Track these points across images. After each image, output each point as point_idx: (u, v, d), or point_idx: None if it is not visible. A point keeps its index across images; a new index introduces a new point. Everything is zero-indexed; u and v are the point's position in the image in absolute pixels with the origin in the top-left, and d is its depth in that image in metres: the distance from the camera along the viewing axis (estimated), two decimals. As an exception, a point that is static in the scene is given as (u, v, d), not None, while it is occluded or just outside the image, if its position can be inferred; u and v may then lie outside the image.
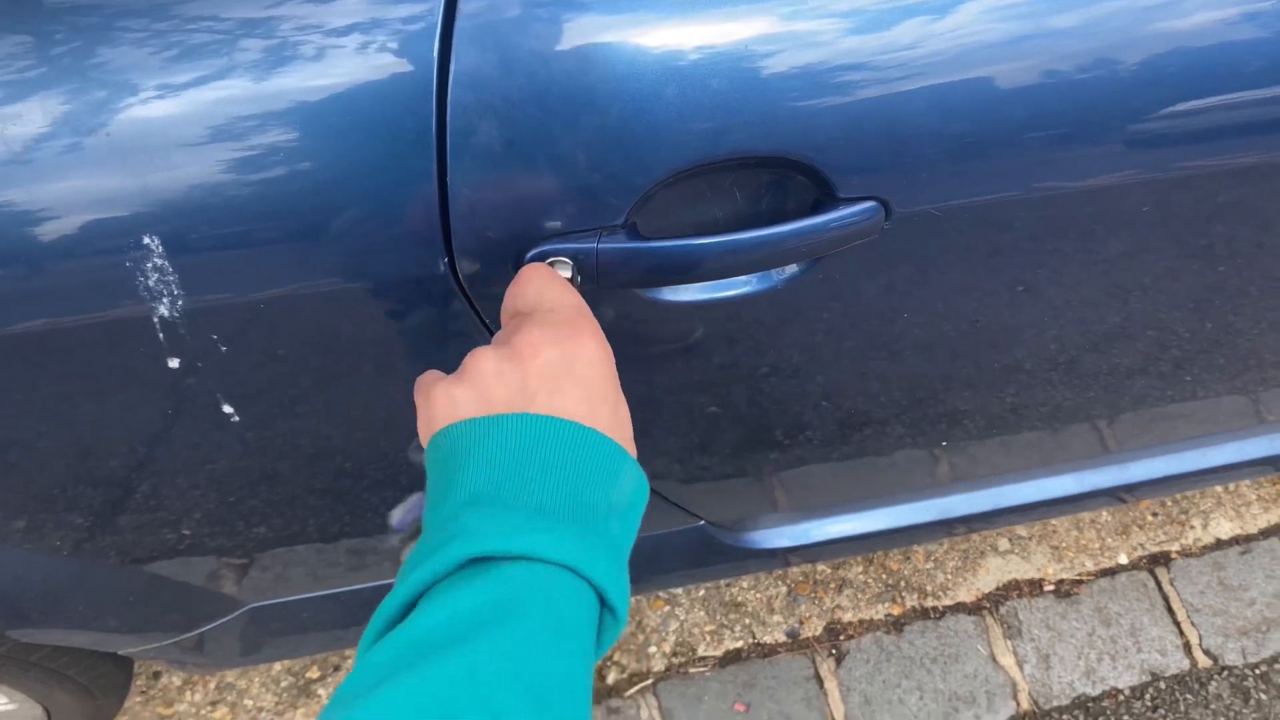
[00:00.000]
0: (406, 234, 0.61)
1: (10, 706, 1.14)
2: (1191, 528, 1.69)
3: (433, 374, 0.55)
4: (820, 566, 1.63)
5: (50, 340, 0.63)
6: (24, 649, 1.01)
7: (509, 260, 0.63)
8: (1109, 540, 1.67)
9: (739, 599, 1.60)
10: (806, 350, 0.80)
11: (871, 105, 0.61)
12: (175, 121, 0.56)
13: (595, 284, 0.65)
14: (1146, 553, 1.67)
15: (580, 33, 0.58)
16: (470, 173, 0.59)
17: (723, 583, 1.61)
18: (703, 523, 1.12)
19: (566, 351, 0.51)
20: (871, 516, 1.21)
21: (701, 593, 1.60)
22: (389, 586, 1.02)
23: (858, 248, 0.69)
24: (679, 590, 1.60)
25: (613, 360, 0.54)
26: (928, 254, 0.73)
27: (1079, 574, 1.64)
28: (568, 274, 0.63)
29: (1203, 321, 1.02)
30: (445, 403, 0.51)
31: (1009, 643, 1.57)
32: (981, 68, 0.62)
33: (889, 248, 0.70)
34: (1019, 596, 1.62)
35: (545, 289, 0.56)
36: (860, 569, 1.64)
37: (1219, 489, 1.73)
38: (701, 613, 1.58)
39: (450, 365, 0.58)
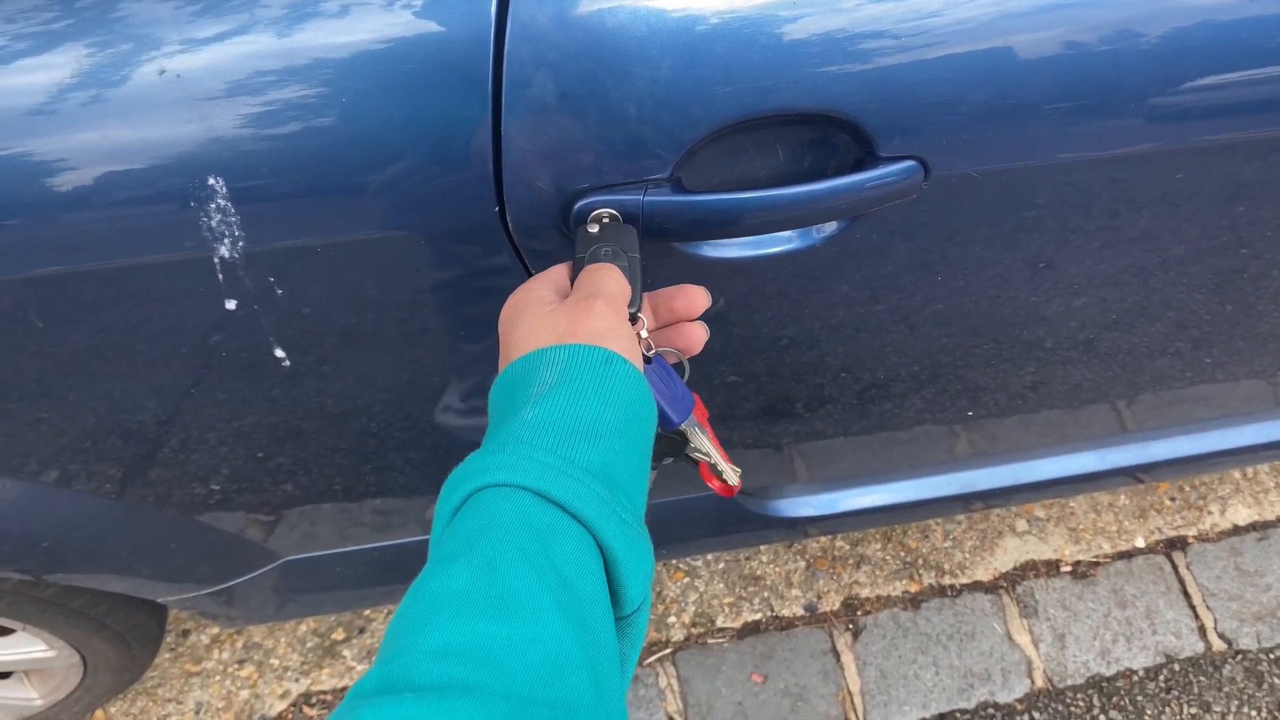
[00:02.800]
0: (460, 182, 0.63)
1: (50, 654, 1.17)
2: (1209, 513, 1.70)
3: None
4: (839, 542, 1.65)
5: (111, 281, 0.65)
6: (66, 595, 1.04)
7: (557, 211, 0.65)
8: (1126, 523, 1.69)
9: (758, 572, 1.62)
10: (833, 316, 0.81)
11: (915, 67, 0.63)
12: (241, 67, 0.58)
13: (642, 234, 0.66)
14: (1163, 537, 1.68)
15: (633, -11, 0.59)
16: (524, 124, 0.61)
17: (742, 556, 1.63)
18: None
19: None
20: (892, 489, 1.23)
21: (721, 565, 1.62)
22: (419, 544, 1.05)
23: (894, 210, 0.70)
24: (698, 562, 1.62)
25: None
26: (959, 220, 0.74)
27: (1096, 556, 1.65)
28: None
29: (1223, 303, 1.03)
30: None
31: (1025, 621, 1.58)
32: (1021, 34, 0.64)
33: (922, 211, 0.72)
34: (1036, 577, 1.63)
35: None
36: (879, 546, 1.65)
37: (1237, 475, 1.74)
38: (721, 585, 1.60)
39: (492, 319, 0.62)
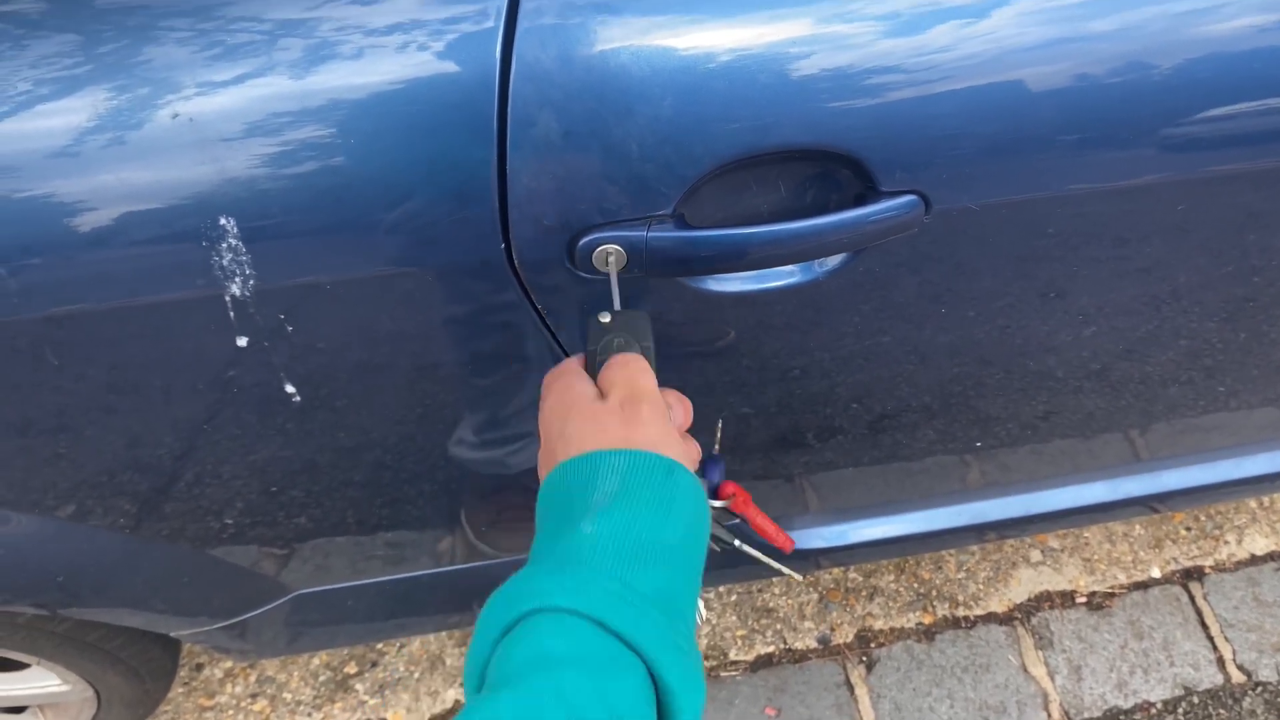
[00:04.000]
0: (467, 219, 0.64)
1: (64, 688, 1.17)
2: (1226, 543, 1.69)
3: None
4: (852, 574, 1.65)
5: (127, 319, 0.66)
6: (81, 629, 1.05)
7: (563, 246, 0.66)
8: (1141, 554, 1.68)
9: (770, 605, 1.61)
10: (842, 348, 0.82)
11: (913, 102, 0.64)
12: (253, 111, 0.60)
13: (644, 271, 0.67)
14: (1180, 567, 1.66)
15: (636, 31, 0.61)
16: (529, 162, 0.62)
17: (754, 588, 1.63)
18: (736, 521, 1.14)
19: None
20: (904, 520, 1.23)
21: (733, 598, 1.62)
22: (431, 576, 1.05)
23: (897, 243, 0.71)
24: (710, 594, 1.62)
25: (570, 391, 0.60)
26: (964, 251, 0.75)
27: (1111, 587, 1.64)
28: (622, 263, 0.66)
29: (1236, 331, 1.03)
30: None
31: (1040, 653, 1.57)
32: (1018, 70, 0.65)
33: (927, 244, 0.72)
34: (1051, 608, 1.62)
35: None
36: (892, 577, 1.65)
37: (1254, 504, 1.73)
38: (733, 617, 1.60)
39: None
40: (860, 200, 0.68)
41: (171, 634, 1.06)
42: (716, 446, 0.69)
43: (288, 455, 0.82)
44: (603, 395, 0.59)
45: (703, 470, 0.68)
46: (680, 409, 0.63)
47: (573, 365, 0.63)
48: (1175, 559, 1.67)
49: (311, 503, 0.91)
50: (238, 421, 0.77)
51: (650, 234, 0.66)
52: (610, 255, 0.66)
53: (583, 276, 0.68)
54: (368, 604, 1.12)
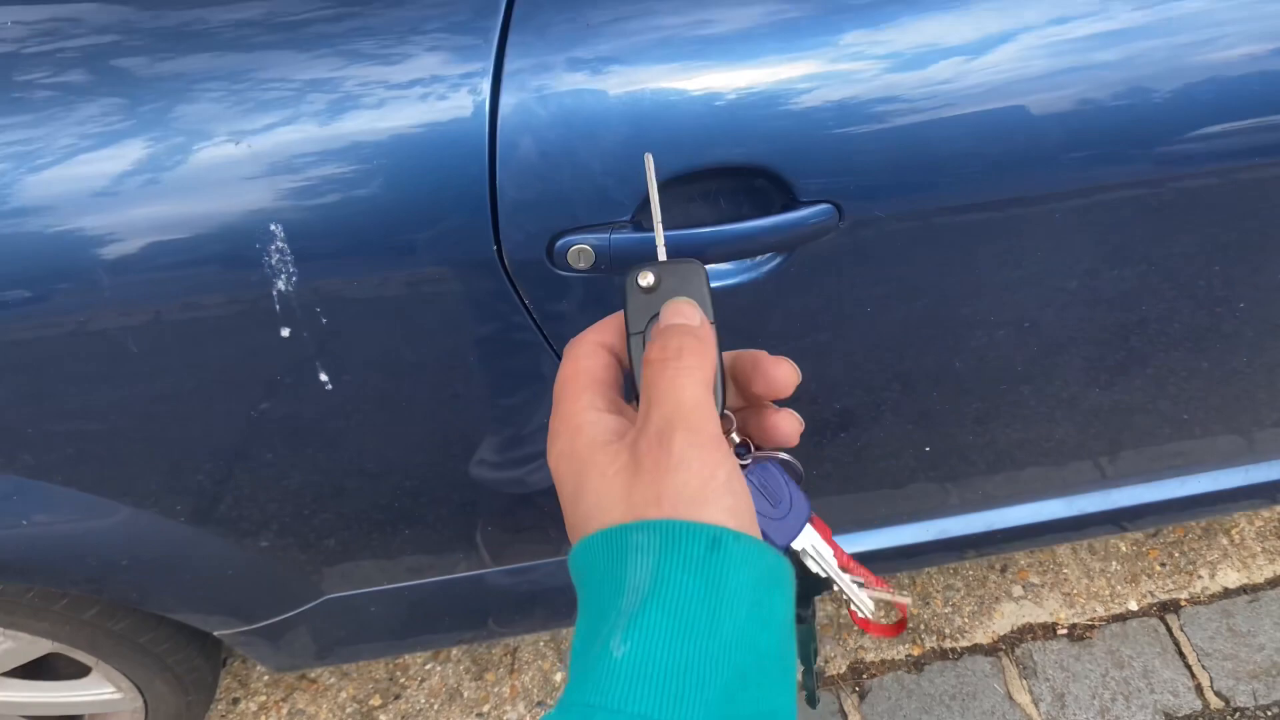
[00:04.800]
0: (465, 226, 0.80)
1: (117, 696, 1.30)
2: (1199, 577, 1.79)
3: None
4: (842, 610, 1.75)
5: (184, 319, 0.82)
6: (136, 629, 1.19)
7: (543, 247, 0.82)
8: (1119, 588, 1.77)
9: (767, 639, 1.72)
10: (785, 345, 0.97)
11: (825, 125, 0.80)
12: (299, 143, 0.77)
13: (609, 269, 0.83)
14: (1156, 600, 1.76)
15: (598, 76, 0.78)
16: (514, 178, 0.79)
17: (752, 624, 1.73)
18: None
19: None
20: (873, 536, 1.35)
21: (732, 633, 1.73)
22: (453, 581, 1.18)
23: (824, 246, 0.86)
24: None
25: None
26: (881, 256, 0.90)
27: (1091, 619, 1.73)
28: (590, 261, 0.82)
29: (1200, 360, 1.17)
30: None
31: (1025, 682, 1.66)
32: (925, 89, 0.81)
33: (850, 246, 0.88)
34: (1033, 639, 1.71)
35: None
36: (881, 612, 1.75)
37: (1225, 541, 1.83)
38: (732, 651, 1.70)
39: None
40: (786, 209, 0.83)
41: (215, 632, 1.19)
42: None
43: (320, 448, 0.97)
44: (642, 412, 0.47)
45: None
46: (770, 366, 0.52)
47: (587, 374, 0.51)
48: (1151, 593, 1.77)
49: (342, 502, 1.06)
50: (278, 411, 0.92)
51: (612, 237, 0.81)
52: (582, 255, 0.82)
53: (560, 273, 0.83)
54: (390, 611, 1.25)
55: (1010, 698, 1.64)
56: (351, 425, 0.95)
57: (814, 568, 0.54)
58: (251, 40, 0.77)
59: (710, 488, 0.43)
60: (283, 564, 1.12)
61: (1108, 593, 1.77)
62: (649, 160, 0.56)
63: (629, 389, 0.52)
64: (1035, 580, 1.79)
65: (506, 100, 0.77)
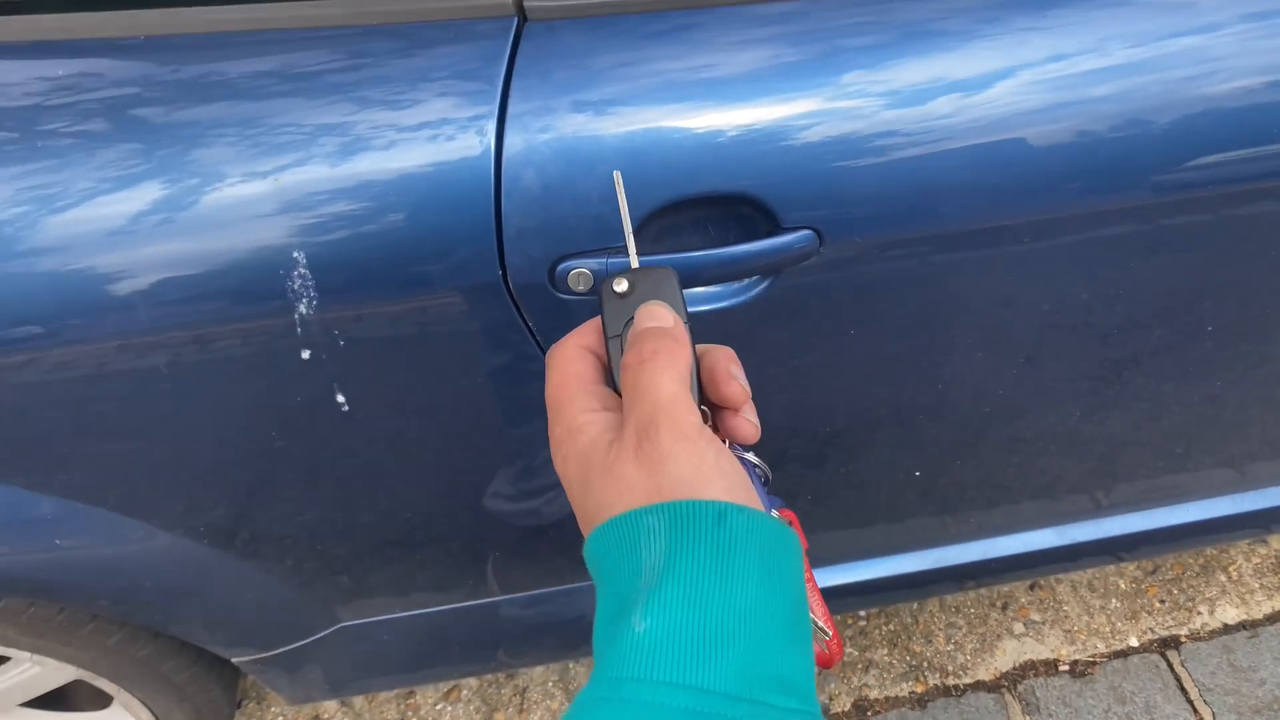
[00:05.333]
0: (473, 253, 0.87)
1: (135, 727, 1.34)
2: (1199, 613, 1.81)
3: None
4: (848, 649, 1.78)
5: (212, 339, 0.89)
6: (158, 656, 1.23)
7: (545, 272, 0.88)
8: (1119, 624, 1.80)
9: (773, 678, 1.74)
10: (774, 367, 1.02)
11: (806, 156, 0.87)
12: (320, 181, 0.84)
13: (608, 292, 0.89)
14: (1156, 636, 1.78)
15: (594, 114, 0.85)
16: (517, 207, 0.85)
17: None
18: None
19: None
20: (864, 567, 1.39)
21: (738, 672, 1.75)
22: (463, 610, 1.22)
23: (807, 269, 0.93)
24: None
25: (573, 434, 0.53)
26: (860, 280, 0.96)
27: (1092, 655, 1.76)
28: (589, 284, 0.88)
29: (1191, 393, 1.22)
30: None
31: (1028, 718, 1.68)
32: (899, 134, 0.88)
33: (831, 271, 0.94)
34: (1035, 676, 1.74)
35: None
36: (885, 650, 1.78)
37: (1223, 577, 1.85)
38: (738, 690, 1.73)
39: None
40: (770, 234, 0.90)
41: (233, 659, 1.23)
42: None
43: (345, 464, 1.03)
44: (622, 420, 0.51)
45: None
46: (722, 384, 0.55)
47: (576, 380, 0.55)
48: (1152, 629, 1.79)
49: (357, 528, 1.11)
50: (297, 436, 0.98)
51: (609, 261, 0.88)
52: (580, 279, 0.88)
53: (561, 296, 0.90)
54: (402, 640, 1.29)
55: (1014, 733, 1.66)
56: (366, 451, 1.01)
57: None
58: (270, 89, 0.85)
59: (702, 472, 0.47)
60: (299, 590, 1.17)
61: (1108, 629, 1.79)
62: (618, 177, 0.62)
63: (612, 386, 0.56)
64: (1036, 617, 1.82)
65: (511, 139, 0.84)
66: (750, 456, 0.56)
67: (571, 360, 0.56)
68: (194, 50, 0.85)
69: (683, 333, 0.55)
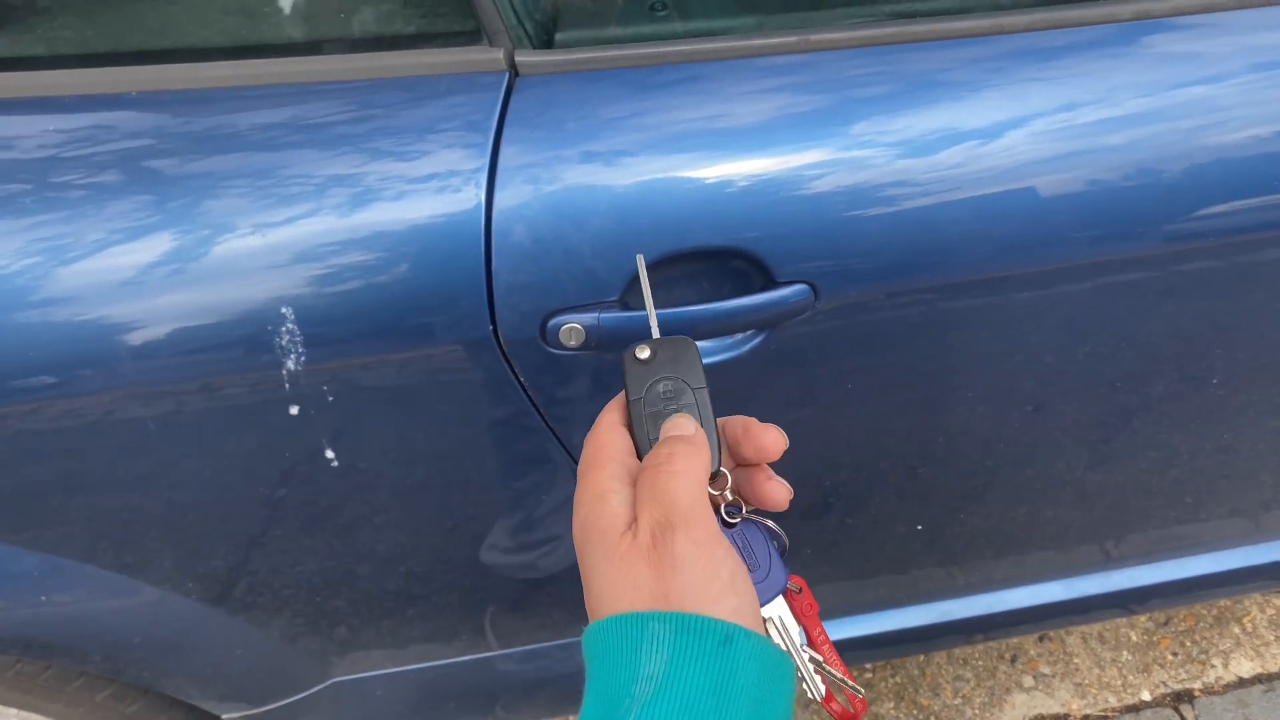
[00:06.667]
0: (464, 308, 0.86)
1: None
2: (1212, 666, 1.77)
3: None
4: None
5: (200, 392, 0.88)
6: (148, 712, 1.21)
7: (536, 326, 0.87)
8: (1130, 678, 1.76)
9: (777, 731, 1.71)
10: (775, 417, 1.01)
11: (802, 210, 0.86)
12: (308, 236, 0.83)
13: (598, 347, 0.88)
14: (1169, 690, 1.74)
15: (584, 166, 0.84)
16: (508, 262, 0.84)
17: (761, 716, 1.73)
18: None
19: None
20: (875, 620, 1.36)
21: (742, 726, 1.72)
22: (460, 665, 1.20)
23: (802, 324, 0.91)
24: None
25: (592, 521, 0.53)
26: (857, 334, 0.95)
27: (1103, 710, 1.72)
28: (580, 339, 0.87)
29: (1201, 441, 1.20)
30: None
31: (1038, 774, 1.64)
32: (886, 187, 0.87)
33: (828, 323, 0.93)
34: (1046, 730, 1.70)
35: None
36: (891, 704, 1.74)
37: (1236, 630, 1.82)
38: (741, 744, 1.70)
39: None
40: (764, 289, 0.89)
41: (223, 716, 1.21)
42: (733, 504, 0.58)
43: (329, 528, 1.01)
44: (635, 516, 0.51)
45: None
46: (759, 432, 0.57)
47: (604, 449, 0.56)
48: (1164, 682, 1.75)
49: (351, 584, 1.09)
50: (289, 492, 0.97)
51: (601, 316, 0.87)
52: (572, 334, 0.87)
53: (552, 351, 0.89)
54: (396, 695, 1.27)
55: (1024, 791, 1.62)
56: (360, 505, 1.00)
57: (775, 638, 0.56)
58: (278, 140, 0.85)
59: (715, 587, 0.48)
60: (291, 645, 1.15)
61: (1119, 683, 1.75)
62: (641, 262, 0.68)
63: (638, 454, 0.58)
64: (1046, 670, 1.78)
65: (501, 194, 0.84)
66: (769, 523, 0.57)
67: (604, 431, 0.58)
68: (188, 104, 0.85)
69: (703, 441, 0.56)
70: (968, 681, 1.77)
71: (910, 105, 0.86)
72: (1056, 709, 1.72)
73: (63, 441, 0.88)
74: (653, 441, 0.57)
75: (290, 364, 0.86)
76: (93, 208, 0.83)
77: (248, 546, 1.02)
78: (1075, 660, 1.79)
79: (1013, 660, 1.80)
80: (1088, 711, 1.72)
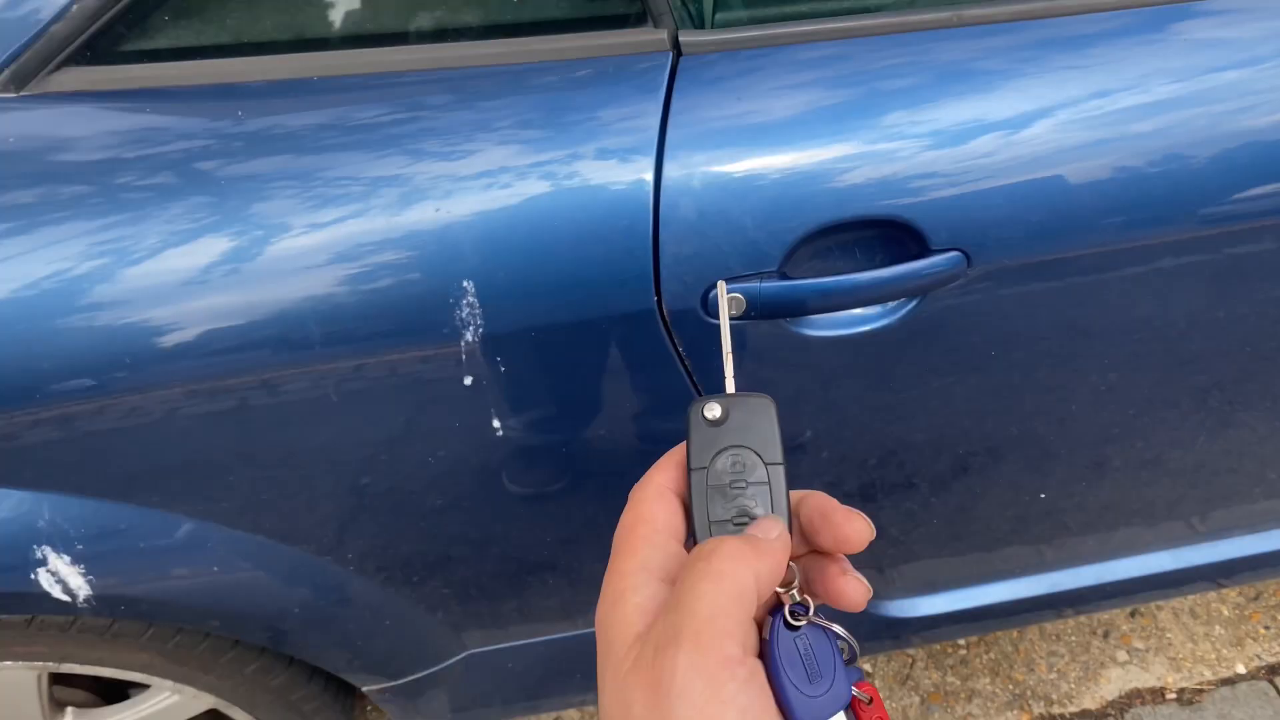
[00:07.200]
0: (631, 280, 0.89)
1: (262, 759, 1.36)
2: (1305, 640, 1.79)
3: None
4: (949, 678, 1.77)
5: (372, 368, 0.92)
6: (290, 685, 1.25)
7: (698, 297, 0.91)
8: (1224, 651, 1.78)
9: (875, 707, 1.74)
10: (915, 389, 1.04)
11: (958, 175, 0.89)
12: (486, 213, 0.87)
13: (757, 315, 0.92)
14: (1264, 663, 1.76)
15: (747, 140, 0.88)
16: (674, 234, 0.88)
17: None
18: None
19: None
20: (980, 592, 1.39)
21: (840, 703, 1.75)
22: (590, 635, 1.24)
23: (953, 292, 0.94)
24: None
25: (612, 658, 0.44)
26: (1005, 305, 0.98)
27: (1199, 683, 1.74)
28: (741, 308, 0.91)
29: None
30: None
31: (1137, 747, 1.66)
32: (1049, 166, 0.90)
33: (977, 292, 0.95)
34: (1142, 704, 1.72)
35: None
36: (987, 680, 1.77)
37: (1328, 603, 1.83)
38: (841, 720, 1.72)
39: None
40: (918, 257, 0.92)
41: (364, 688, 1.25)
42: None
43: (486, 496, 1.05)
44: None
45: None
46: (842, 521, 0.48)
47: (641, 531, 0.48)
48: (1258, 655, 1.77)
49: (498, 550, 1.13)
50: (449, 457, 1.01)
51: (762, 285, 0.90)
52: (734, 301, 0.91)
53: (711, 321, 0.92)
54: (527, 667, 1.31)
55: (1124, 762, 1.64)
56: (514, 474, 1.03)
57: None
58: (458, 121, 0.88)
59: (707, 713, 0.39)
60: (432, 617, 1.19)
61: (1213, 656, 1.77)
62: (722, 288, 0.59)
63: (690, 538, 0.50)
64: (1139, 645, 1.80)
65: (669, 169, 0.87)
66: (836, 628, 0.48)
67: (649, 500, 0.49)
68: (376, 88, 0.89)
69: (775, 549, 0.46)
70: (1061, 657, 1.79)
71: (1060, 75, 0.89)
72: (1152, 682, 1.74)
73: (243, 416, 0.92)
74: (712, 524, 0.49)
75: (468, 336, 0.90)
76: (297, 186, 0.86)
77: (407, 517, 1.05)
78: (1168, 635, 1.81)
79: (1105, 635, 1.81)
80: (1183, 685, 1.73)
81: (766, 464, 0.50)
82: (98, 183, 0.86)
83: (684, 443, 0.51)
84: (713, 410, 0.51)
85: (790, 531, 0.48)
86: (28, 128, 0.88)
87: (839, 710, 0.46)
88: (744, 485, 0.50)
